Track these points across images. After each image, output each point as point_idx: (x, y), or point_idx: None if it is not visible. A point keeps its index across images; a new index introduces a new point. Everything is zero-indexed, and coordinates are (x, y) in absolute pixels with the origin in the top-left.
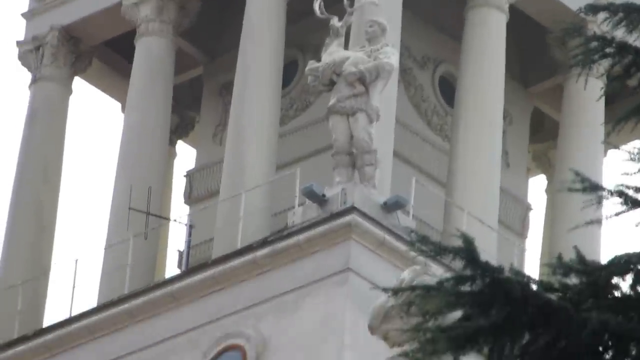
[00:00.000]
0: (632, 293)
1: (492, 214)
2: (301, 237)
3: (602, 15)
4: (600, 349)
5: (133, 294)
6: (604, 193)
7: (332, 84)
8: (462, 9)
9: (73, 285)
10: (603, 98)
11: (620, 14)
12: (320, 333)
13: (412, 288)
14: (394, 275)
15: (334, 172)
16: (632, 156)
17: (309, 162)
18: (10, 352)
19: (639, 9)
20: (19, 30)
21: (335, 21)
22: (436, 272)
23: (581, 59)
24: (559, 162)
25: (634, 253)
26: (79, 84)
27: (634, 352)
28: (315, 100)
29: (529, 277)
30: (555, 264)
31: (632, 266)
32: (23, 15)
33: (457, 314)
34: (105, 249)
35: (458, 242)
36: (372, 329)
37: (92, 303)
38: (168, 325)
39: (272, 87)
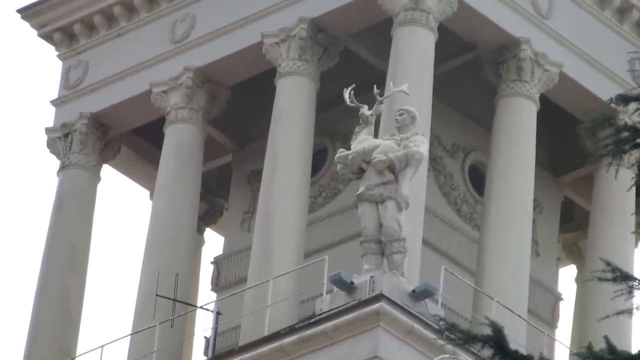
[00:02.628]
0: None
1: (522, 303)
2: (329, 324)
3: (633, 106)
4: None
5: None
6: (635, 283)
7: (361, 172)
8: (492, 98)
9: None
10: (634, 188)
11: None
12: None
13: None
14: None
15: (362, 259)
16: None
17: (337, 250)
18: None
19: None
20: (48, 117)
21: (365, 109)
22: None
23: (612, 149)
24: (589, 251)
25: None
26: (107, 171)
27: None
28: (345, 188)
29: None
30: (585, 353)
31: None
32: (52, 102)
33: None
34: (132, 335)
35: (487, 331)
36: None
37: None
38: None
39: (301, 175)
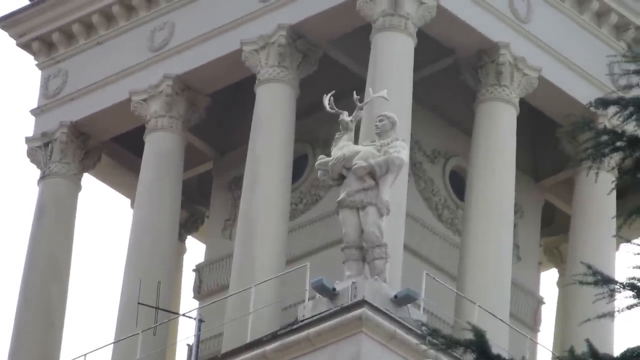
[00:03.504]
0: None
1: (504, 307)
2: (311, 330)
3: (612, 109)
4: None
5: None
6: (616, 286)
7: (342, 178)
8: (472, 103)
9: None
10: (614, 191)
11: (631, 108)
12: None
13: None
14: None
15: (344, 266)
16: None
17: (319, 256)
18: None
19: None
20: (27, 126)
21: (345, 116)
22: None
23: (591, 153)
24: (570, 255)
25: None
26: (88, 180)
27: None
28: (325, 195)
29: None
30: (567, 357)
31: None
32: (32, 111)
33: None
34: (114, 344)
35: (469, 335)
36: None
37: None
38: None
39: (282, 182)
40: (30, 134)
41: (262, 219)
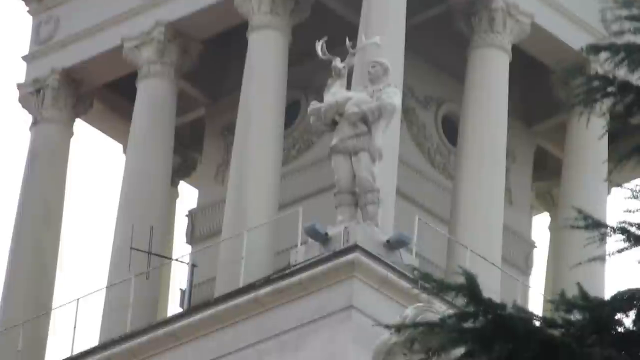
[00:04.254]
0: (635, 329)
1: (496, 251)
2: (304, 275)
3: (604, 55)
4: None
5: (135, 333)
6: (607, 230)
7: (334, 124)
8: (464, 49)
9: (74, 325)
10: (606, 136)
11: (622, 54)
12: None
13: (415, 325)
14: (397, 312)
15: (336, 211)
16: (635, 194)
17: (311, 201)
18: None
19: None
20: (19, 72)
21: (337, 62)
22: (439, 309)
23: (583, 98)
24: (562, 199)
25: (637, 289)
26: (80, 126)
27: None
28: (318, 140)
29: (532, 314)
30: (558, 300)
31: (635, 302)
32: (23, 58)
33: (460, 350)
34: (107, 288)
35: (461, 280)
36: None
37: (94, 342)
38: None
39: (275, 128)
40: (22, 80)
41: (255, 165)
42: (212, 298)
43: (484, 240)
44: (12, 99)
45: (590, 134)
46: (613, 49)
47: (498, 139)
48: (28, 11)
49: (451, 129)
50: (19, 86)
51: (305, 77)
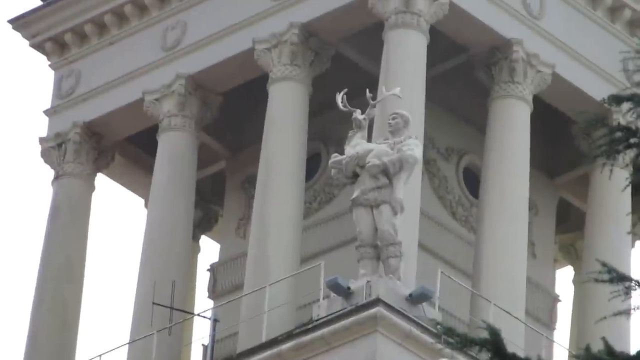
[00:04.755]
0: None
1: (519, 305)
2: (326, 330)
3: (626, 106)
4: None
5: None
6: (632, 284)
7: (355, 176)
8: (485, 100)
9: None
10: (629, 188)
11: None
12: None
13: None
14: None
15: (358, 264)
16: None
17: (333, 255)
18: None
19: None
20: (41, 127)
21: (358, 114)
22: None
23: (605, 150)
24: (586, 252)
25: None
26: (101, 180)
27: None
28: (339, 193)
29: None
30: (583, 355)
31: None
32: (45, 112)
33: None
34: (129, 344)
35: (484, 334)
36: None
37: None
38: None
39: (296, 180)
40: (44, 134)
41: (276, 218)
42: (235, 353)
43: (508, 294)
44: (34, 154)
45: (614, 185)
46: (635, 99)
47: (520, 191)
48: (50, 65)
49: (473, 181)
50: (41, 140)
51: (325, 129)
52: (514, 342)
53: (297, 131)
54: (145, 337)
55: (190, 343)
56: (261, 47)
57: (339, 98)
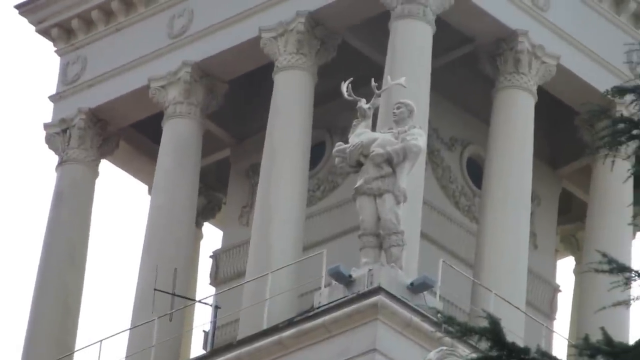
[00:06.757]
0: None
1: (520, 295)
2: (327, 318)
3: (629, 97)
4: None
5: None
6: (632, 274)
7: (359, 165)
8: (489, 90)
9: None
10: (631, 179)
11: None
12: None
13: None
14: (421, 356)
15: (360, 253)
16: None
17: (335, 243)
18: None
19: None
20: (46, 112)
21: (362, 103)
22: (463, 353)
23: (608, 141)
24: (587, 243)
25: None
26: (106, 167)
27: None
28: (343, 182)
29: (555, 358)
30: (582, 345)
31: None
32: (50, 98)
33: None
34: (130, 330)
35: (485, 323)
36: None
37: None
38: None
39: (300, 169)
40: (49, 120)
41: (280, 206)
42: (236, 340)
43: (509, 284)
44: (39, 139)
45: (616, 176)
46: (638, 91)
47: (523, 181)
48: (56, 51)
49: (476, 171)
50: (46, 126)
51: (330, 118)
52: (513, 332)
53: (302, 120)
54: (146, 323)
55: (191, 329)
56: (267, 36)
57: (344, 87)
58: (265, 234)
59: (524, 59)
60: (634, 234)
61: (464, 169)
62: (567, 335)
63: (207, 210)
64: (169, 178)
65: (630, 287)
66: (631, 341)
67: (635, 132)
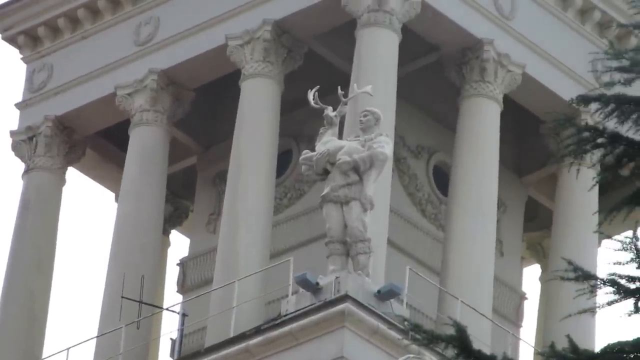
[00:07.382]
0: None
1: (486, 302)
2: (294, 325)
3: (594, 106)
4: None
5: None
6: (597, 282)
7: (326, 173)
8: (456, 99)
9: None
10: (596, 187)
11: (612, 105)
12: None
13: None
14: None
15: (327, 260)
16: (624, 246)
17: (302, 251)
18: None
19: (630, 100)
20: (12, 120)
21: (329, 111)
22: None
23: (573, 149)
24: (552, 251)
25: (627, 342)
26: (72, 174)
27: None
28: (309, 190)
29: None
30: (548, 352)
31: (624, 355)
32: (16, 105)
33: None
34: (98, 338)
35: (451, 331)
36: None
37: None
38: None
39: (266, 176)
40: (15, 127)
41: (246, 214)
42: (203, 348)
43: (475, 291)
44: (5, 147)
45: (581, 185)
46: (603, 100)
47: (489, 189)
48: (22, 59)
49: (442, 179)
50: (12, 133)
51: (297, 126)
52: (480, 339)
53: (269, 127)
54: (113, 330)
55: (158, 337)
56: (234, 44)
57: (311, 95)
58: (232, 241)
59: (489, 67)
60: (599, 242)
61: (430, 176)
62: (533, 342)
63: (174, 218)
64: (136, 185)
65: (595, 295)
66: (597, 348)
67: (600, 140)
